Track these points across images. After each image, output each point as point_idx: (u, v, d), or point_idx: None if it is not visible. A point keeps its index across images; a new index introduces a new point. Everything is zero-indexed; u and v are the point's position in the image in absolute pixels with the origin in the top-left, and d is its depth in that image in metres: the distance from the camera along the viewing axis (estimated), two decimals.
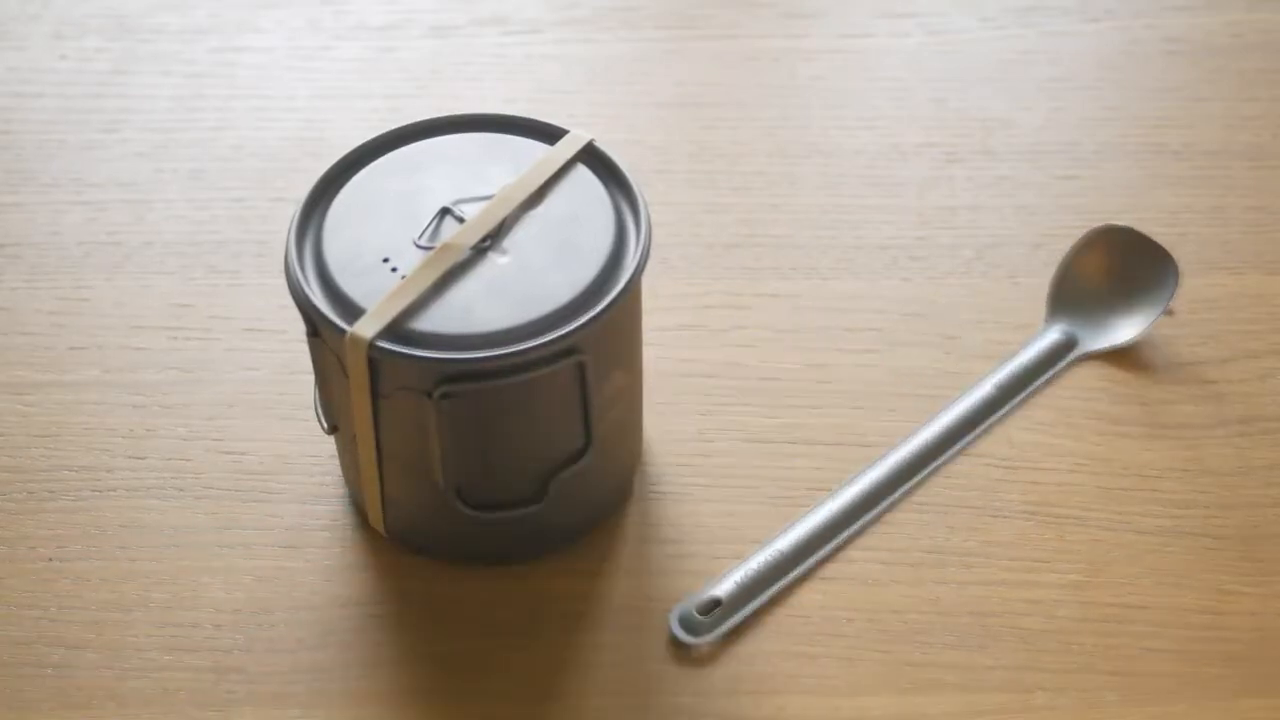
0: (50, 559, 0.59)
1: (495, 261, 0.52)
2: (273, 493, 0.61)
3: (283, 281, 0.68)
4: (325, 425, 0.57)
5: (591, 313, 0.51)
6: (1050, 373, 0.65)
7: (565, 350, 0.50)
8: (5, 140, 0.75)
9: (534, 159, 0.55)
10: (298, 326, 0.66)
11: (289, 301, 0.67)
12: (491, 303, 0.51)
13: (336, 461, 0.61)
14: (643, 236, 0.53)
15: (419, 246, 0.52)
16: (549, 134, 0.56)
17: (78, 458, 0.62)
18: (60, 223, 0.71)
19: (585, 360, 0.51)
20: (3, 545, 0.59)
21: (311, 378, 0.64)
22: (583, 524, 0.59)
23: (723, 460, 0.62)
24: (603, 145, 0.56)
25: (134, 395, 0.64)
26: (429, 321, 0.50)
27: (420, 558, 0.58)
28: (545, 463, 0.55)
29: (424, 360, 0.50)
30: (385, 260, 0.52)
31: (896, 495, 0.60)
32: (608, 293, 0.51)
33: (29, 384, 0.64)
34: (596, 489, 0.58)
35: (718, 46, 0.81)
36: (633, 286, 0.52)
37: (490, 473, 0.54)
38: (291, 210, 0.52)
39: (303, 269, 0.52)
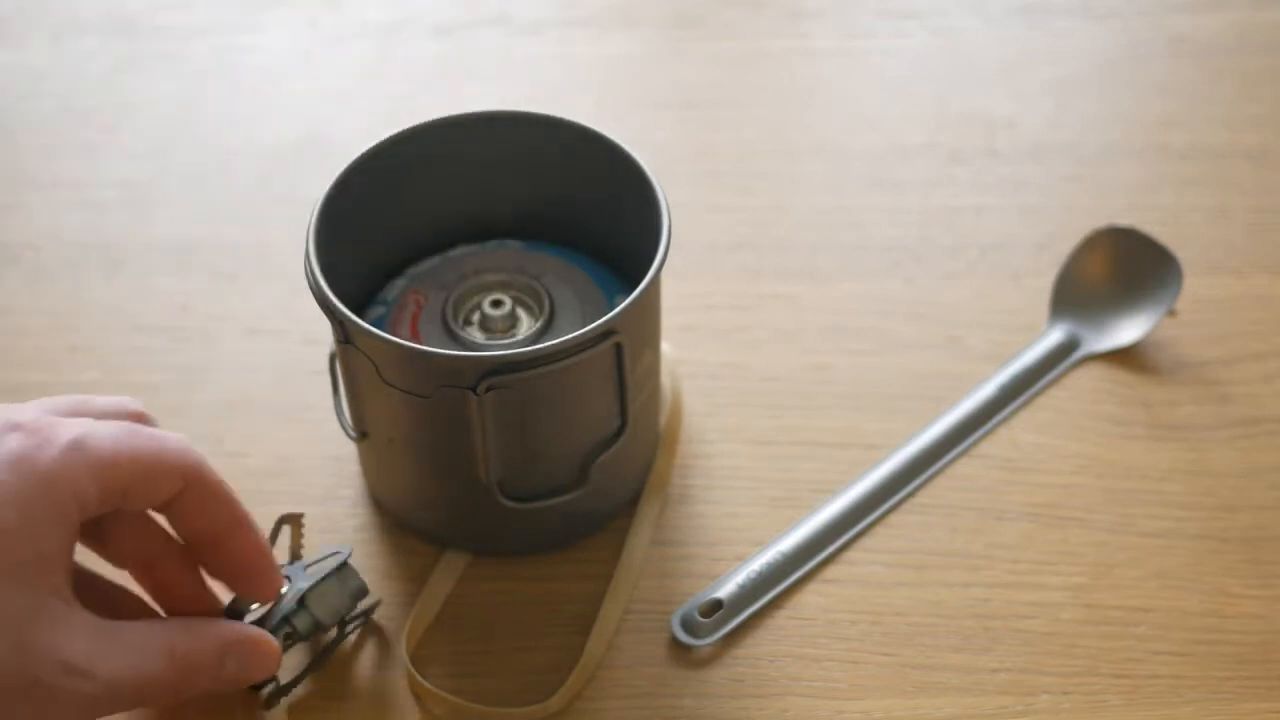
0: None
1: None
2: (274, 494, 0.60)
3: (283, 283, 0.67)
4: (353, 434, 0.57)
5: (632, 294, 0.51)
6: (1053, 374, 0.64)
7: (605, 333, 0.51)
8: (5, 140, 0.75)
9: None
10: (299, 328, 0.66)
11: (289, 303, 0.66)
12: None
13: (338, 463, 0.61)
14: (664, 214, 0.54)
15: None
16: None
17: None
18: (60, 223, 0.71)
19: (622, 341, 0.51)
20: None
21: (313, 382, 0.64)
22: (617, 506, 0.59)
23: (725, 461, 0.62)
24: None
25: (134, 396, 0.64)
26: None
27: (455, 554, 0.58)
28: (585, 447, 0.55)
29: (471, 355, 0.50)
30: None
31: (899, 497, 0.60)
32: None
33: (29, 384, 0.64)
34: (629, 470, 0.59)
35: (720, 46, 0.80)
36: (663, 265, 0.52)
37: (534, 462, 0.54)
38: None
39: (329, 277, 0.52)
